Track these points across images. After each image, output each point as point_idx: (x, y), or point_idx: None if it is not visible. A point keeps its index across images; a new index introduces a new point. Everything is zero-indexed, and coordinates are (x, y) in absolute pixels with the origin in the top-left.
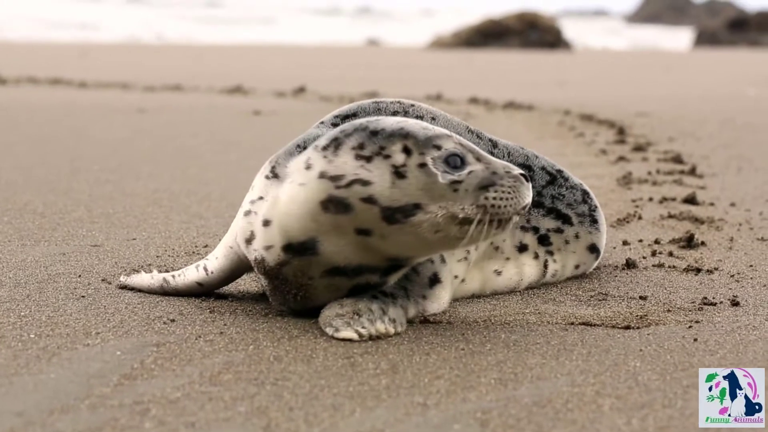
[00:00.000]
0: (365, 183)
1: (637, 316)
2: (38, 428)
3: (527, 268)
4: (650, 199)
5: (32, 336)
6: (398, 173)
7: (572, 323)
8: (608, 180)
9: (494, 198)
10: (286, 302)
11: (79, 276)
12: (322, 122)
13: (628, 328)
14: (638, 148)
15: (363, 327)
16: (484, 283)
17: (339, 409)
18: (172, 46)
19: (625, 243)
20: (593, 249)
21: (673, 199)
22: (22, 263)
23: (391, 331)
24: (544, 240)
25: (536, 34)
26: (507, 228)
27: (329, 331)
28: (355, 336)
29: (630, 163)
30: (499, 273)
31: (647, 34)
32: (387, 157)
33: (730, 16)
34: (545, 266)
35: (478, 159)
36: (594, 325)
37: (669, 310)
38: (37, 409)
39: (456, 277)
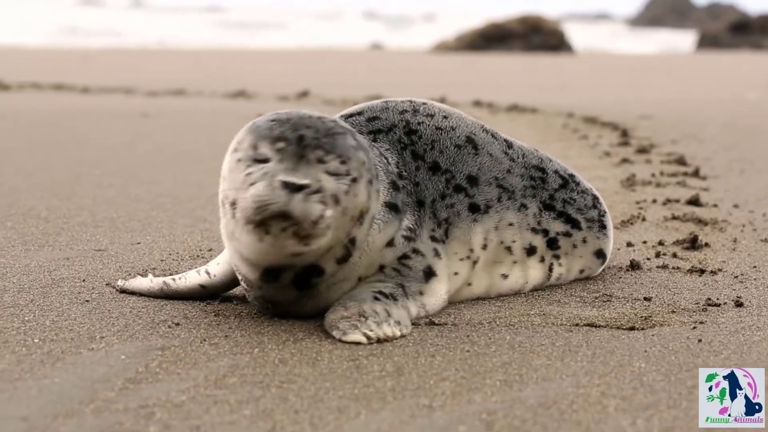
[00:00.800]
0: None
1: (641, 317)
2: None
3: (533, 272)
4: (654, 201)
5: (36, 341)
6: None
7: (577, 324)
8: (612, 182)
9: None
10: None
11: (84, 280)
12: None
13: (632, 329)
14: (642, 150)
15: (370, 330)
16: (490, 286)
17: (344, 411)
18: (175, 50)
19: (629, 244)
20: (600, 254)
21: (677, 201)
22: (26, 268)
23: (398, 333)
24: (552, 243)
25: (539, 37)
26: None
27: (336, 334)
28: (363, 339)
29: (633, 165)
30: (505, 277)
31: (650, 38)
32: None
33: (732, 19)
34: (550, 269)
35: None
36: (599, 327)
37: (673, 311)
38: (41, 413)
39: (456, 274)
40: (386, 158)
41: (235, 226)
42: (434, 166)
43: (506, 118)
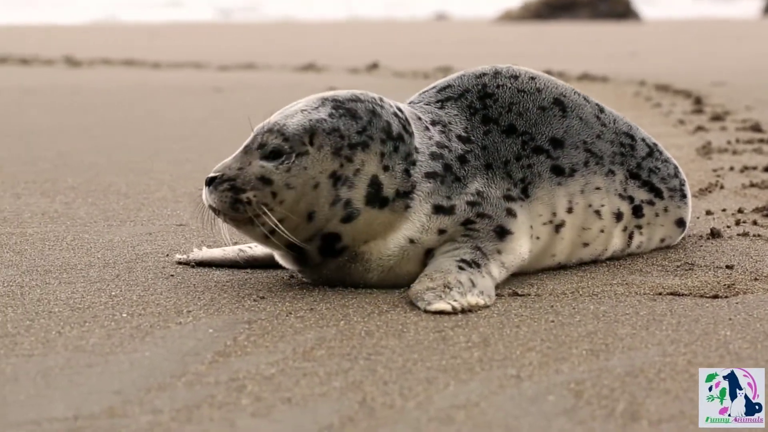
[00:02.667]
0: None
1: (724, 285)
2: (136, 406)
3: (614, 239)
4: (731, 169)
5: (125, 315)
6: None
7: (660, 293)
8: (688, 150)
9: None
10: None
11: (167, 255)
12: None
13: (716, 297)
14: (716, 118)
15: (454, 300)
16: (572, 254)
17: (433, 382)
18: (240, 24)
19: (708, 213)
20: (680, 223)
21: (754, 168)
22: (110, 243)
23: (482, 302)
24: (637, 211)
25: (606, 4)
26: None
27: (421, 304)
28: (448, 308)
29: (708, 132)
30: (586, 244)
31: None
32: None
33: None
34: (630, 237)
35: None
36: (682, 295)
37: (756, 279)
38: (134, 387)
39: (538, 238)
40: (432, 127)
41: None
42: (509, 129)
43: (578, 87)
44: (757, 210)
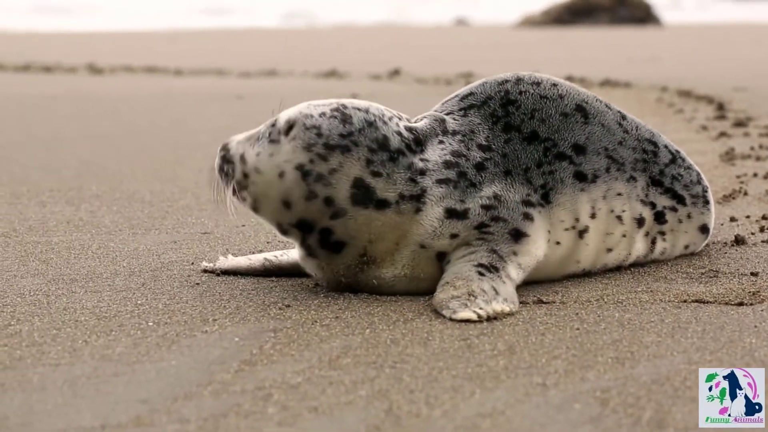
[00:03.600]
0: None
1: (749, 292)
2: (163, 415)
3: (637, 245)
4: (755, 175)
5: (151, 324)
6: None
7: (685, 301)
8: (711, 156)
9: None
10: None
11: (192, 263)
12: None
13: (741, 304)
14: (739, 124)
15: (480, 308)
16: (596, 260)
17: (459, 390)
18: (260, 30)
19: (732, 219)
20: (704, 229)
21: None
22: (135, 252)
23: (507, 309)
24: (660, 217)
25: (626, 10)
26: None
27: (446, 313)
28: (473, 316)
29: (732, 138)
30: (610, 250)
31: (734, 7)
32: None
33: None
34: (653, 243)
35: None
36: (707, 303)
37: None
38: (161, 396)
39: (558, 243)
40: (450, 137)
41: None
42: (532, 136)
43: (600, 93)
44: None
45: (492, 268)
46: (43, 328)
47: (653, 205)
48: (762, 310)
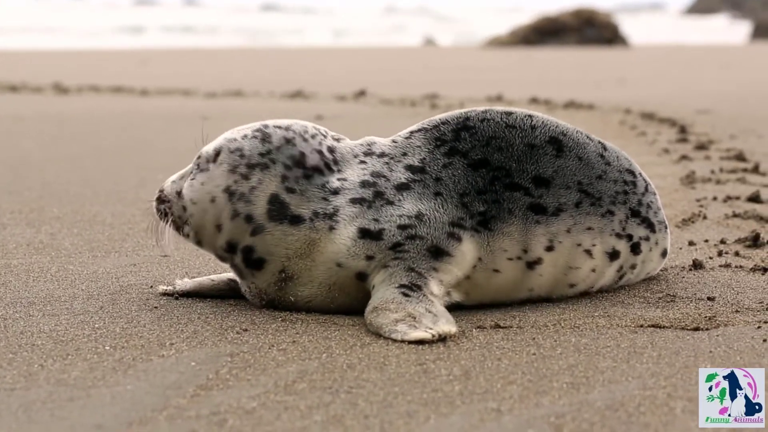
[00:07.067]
0: None
1: (705, 317)
2: None
3: (606, 277)
4: (714, 198)
5: (107, 348)
6: None
7: (641, 325)
8: (671, 180)
9: None
10: None
11: (151, 287)
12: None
13: (697, 329)
14: (700, 147)
15: (429, 328)
16: (553, 289)
17: (414, 416)
18: (230, 50)
19: (691, 243)
20: (665, 253)
21: (738, 198)
22: (94, 275)
23: (453, 330)
24: (635, 248)
25: (593, 30)
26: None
27: (396, 336)
28: (427, 335)
29: (693, 161)
30: (573, 285)
31: (704, 28)
32: None
33: None
34: (621, 275)
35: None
36: (663, 327)
37: (737, 311)
38: (115, 421)
39: (497, 271)
40: (372, 159)
41: None
42: (479, 163)
43: (564, 115)
44: (739, 241)
45: (414, 287)
46: None
47: (630, 237)
48: (717, 335)
